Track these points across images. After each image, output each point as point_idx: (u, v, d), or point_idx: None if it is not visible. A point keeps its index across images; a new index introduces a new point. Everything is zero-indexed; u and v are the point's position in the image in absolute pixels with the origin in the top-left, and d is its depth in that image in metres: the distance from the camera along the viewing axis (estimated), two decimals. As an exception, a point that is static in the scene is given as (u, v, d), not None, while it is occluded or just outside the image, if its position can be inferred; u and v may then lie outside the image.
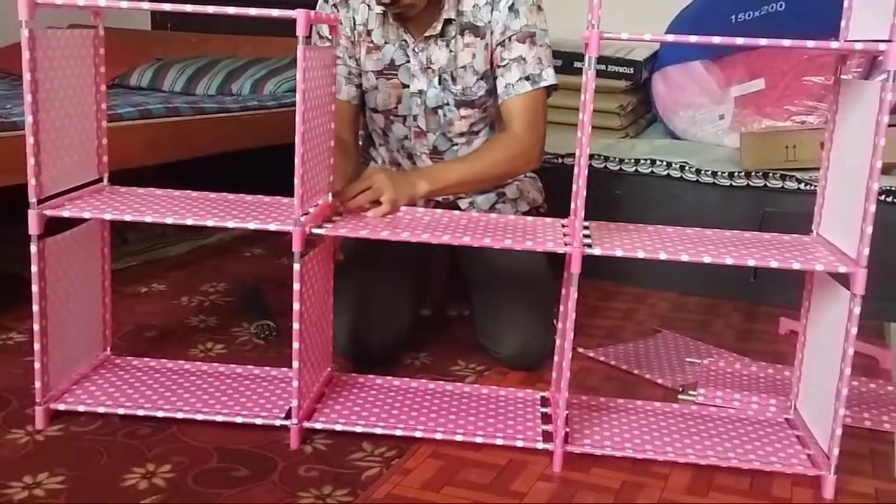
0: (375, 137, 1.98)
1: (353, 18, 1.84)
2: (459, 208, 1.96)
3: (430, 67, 1.83)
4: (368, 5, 1.83)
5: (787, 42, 1.28)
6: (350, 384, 1.65)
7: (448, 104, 1.86)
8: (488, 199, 1.98)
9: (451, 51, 1.81)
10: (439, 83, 1.84)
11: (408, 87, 1.85)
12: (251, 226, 1.41)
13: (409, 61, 1.83)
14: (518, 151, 1.80)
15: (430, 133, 1.89)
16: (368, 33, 1.84)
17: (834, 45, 1.33)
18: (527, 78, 1.79)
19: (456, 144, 1.91)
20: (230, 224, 1.41)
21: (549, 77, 1.81)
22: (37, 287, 1.41)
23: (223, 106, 2.72)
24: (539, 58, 1.80)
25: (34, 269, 1.40)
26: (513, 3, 1.78)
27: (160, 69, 3.29)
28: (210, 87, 3.15)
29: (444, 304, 2.18)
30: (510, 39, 1.79)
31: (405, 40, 1.82)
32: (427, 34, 1.80)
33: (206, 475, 1.33)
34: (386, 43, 1.84)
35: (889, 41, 1.25)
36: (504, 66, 1.81)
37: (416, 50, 1.82)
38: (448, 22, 1.80)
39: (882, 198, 2.24)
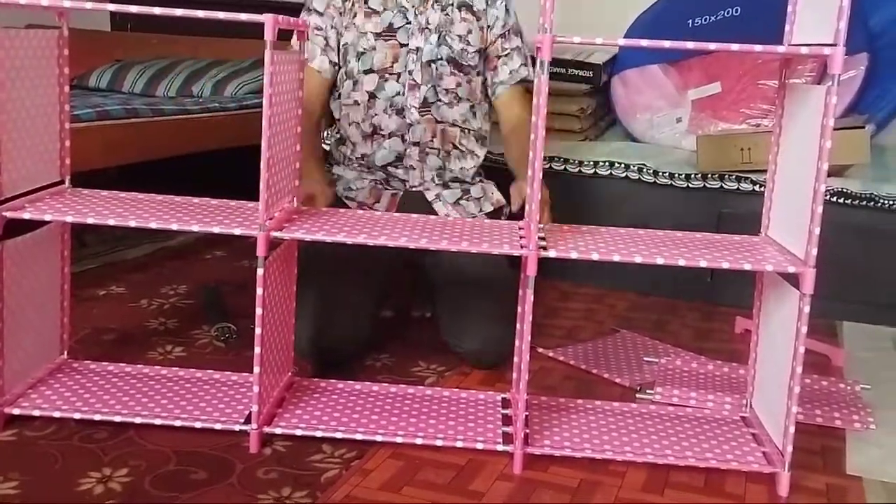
0: (353, 114, 2.00)
1: None
2: (426, 199, 2.00)
3: (427, 27, 1.97)
4: None
5: (734, 46, 1.31)
6: (311, 389, 1.64)
7: (441, 59, 1.98)
8: (454, 194, 2.04)
9: (446, 14, 1.99)
10: (438, 40, 1.97)
11: (405, 45, 1.97)
12: (216, 230, 1.40)
13: (409, 23, 1.97)
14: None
15: (423, 85, 1.97)
16: (366, 1, 1.97)
17: (780, 49, 1.36)
18: (524, 64, 2.06)
19: (441, 100, 1.99)
20: (195, 228, 1.40)
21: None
22: (-7, 290, 1.40)
23: (183, 107, 2.70)
24: (524, 53, 2.09)
25: (-10, 272, 1.39)
26: (506, 3, 2.06)
27: (119, 70, 3.25)
28: (170, 88, 3.12)
29: (407, 306, 2.19)
30: (509, 32, 2.05)
31: (404, 6, 1.96)
32: None
33: (163, 478, 1.32)
34: (385, 9, 1.97)
35: (833, 45, 1.28)
36: (506, 55, 2.05)
37: (417, 13, 1.96)
38: None
39: (833, 199, 2.29)
